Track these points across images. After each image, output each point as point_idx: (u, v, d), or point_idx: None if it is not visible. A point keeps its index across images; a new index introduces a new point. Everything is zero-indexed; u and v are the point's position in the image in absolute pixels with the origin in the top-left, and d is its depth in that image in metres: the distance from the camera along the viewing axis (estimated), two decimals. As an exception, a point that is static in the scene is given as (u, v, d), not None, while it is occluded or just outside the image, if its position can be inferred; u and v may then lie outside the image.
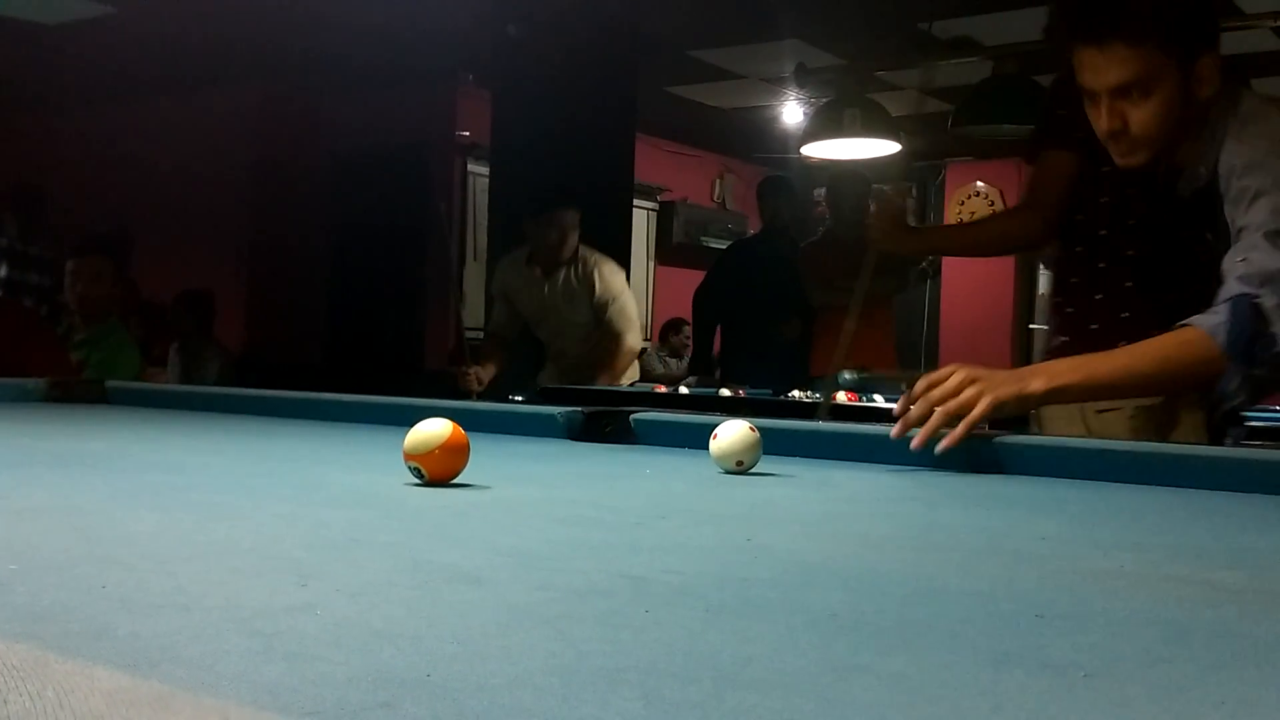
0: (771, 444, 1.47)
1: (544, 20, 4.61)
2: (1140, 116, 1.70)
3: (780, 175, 5.55)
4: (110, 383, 2.57)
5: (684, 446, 1.73)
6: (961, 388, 1.43)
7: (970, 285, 7.96)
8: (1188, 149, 1.73)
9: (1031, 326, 7.86)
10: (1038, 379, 1.47)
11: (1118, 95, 1.70)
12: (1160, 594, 0.78)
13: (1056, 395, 1.47)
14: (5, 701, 0.45)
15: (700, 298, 5.49)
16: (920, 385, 1.45)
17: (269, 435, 1.90)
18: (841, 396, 4.06)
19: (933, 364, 8.05)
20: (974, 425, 1.39)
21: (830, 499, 1.28)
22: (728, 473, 1.41)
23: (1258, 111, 1.71)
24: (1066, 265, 2.28)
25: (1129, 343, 2.04)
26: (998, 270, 7.86)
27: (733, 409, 3.38)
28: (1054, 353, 2.25)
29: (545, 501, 1.20)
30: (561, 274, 4.00)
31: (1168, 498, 1.31)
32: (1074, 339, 2.25)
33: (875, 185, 5.21)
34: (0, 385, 2.41)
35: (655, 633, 0.62)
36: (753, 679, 0.53)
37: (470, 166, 6.75)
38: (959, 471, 1.50)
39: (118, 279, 4.05)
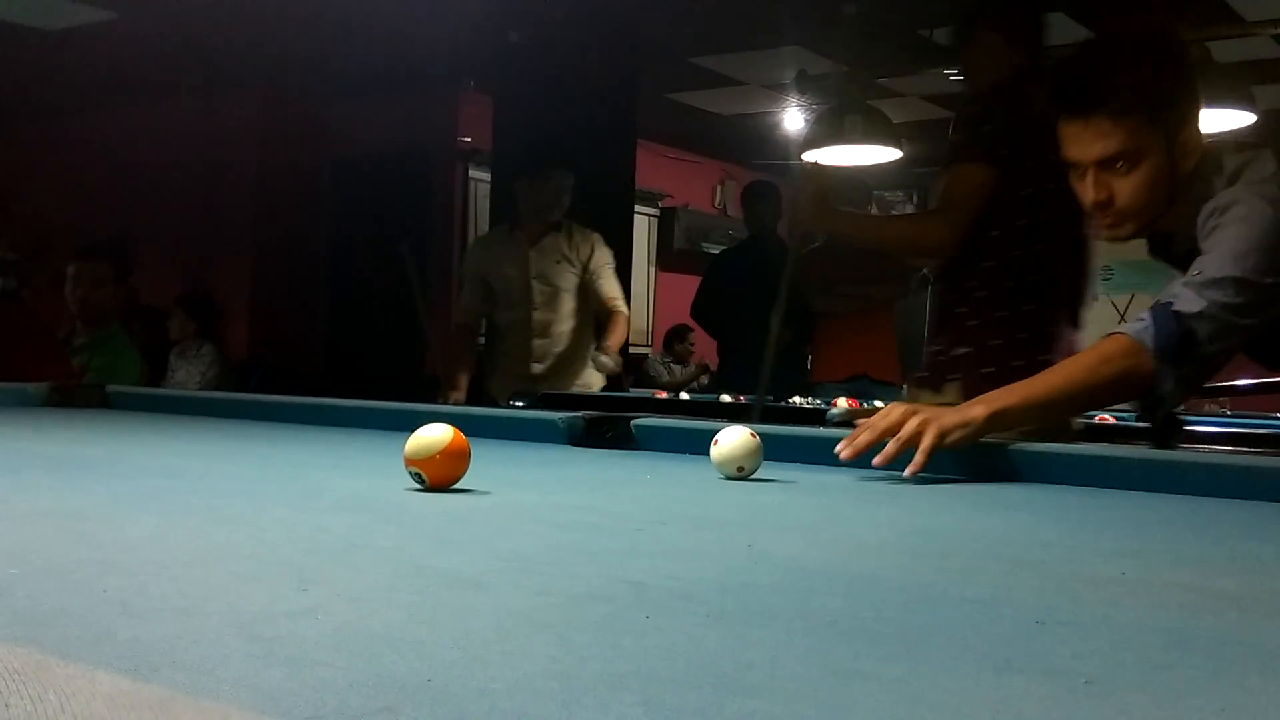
0: (772, 450, 1.47)
1: (545, 27, 4.62)
2: (1126, 189, 1.70)
3: (764, 180, 5.54)
4: (111, 387, 2.57)
5: (685, 452, 1.73)
6: (905, 420, 1.43)
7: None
8: (1173, 214, 1.73)
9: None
10: (977, 407, 1.48)
11: (1103, 168, 1.70)
12: (1161, 601, 0.78)
13: (998, 419, 1.48)
14: (7, 705, 0.45)
15: (696, 310, 5.48)
16: (867, 421, 1.46)
17: (270, 440, 1.90)
18: (842, 403, 4.06)
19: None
20: (929, 452, 1.40)
21: (831, 505, 1.28)
22: (728, 478, 1.41)
23: (1239, 165, 1.71)
24: (972, 279, 2.36)
25: (1025, 361, 2.17)
26: (998, 277, 7.86)
27: (733, 415, 3.39)
28: (951, 363, 2.39)
29: (546, 507, 1.20)
30: (548, 240, 3.93)
31: (1168, 504, 1.31)
32: (976, 351, 2.38)
33: (875, 189, 5.22)
34: (1, 390, 2.41)
35: (656, 638, 0.62)
36: (753, 685, 0.53)
37: (471, 172, 6.75)
38: (960, 478, 1.50)
39: (118, 283, 4.05)
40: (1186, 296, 1.59)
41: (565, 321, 3.97)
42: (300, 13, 5.05)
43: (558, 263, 3.92)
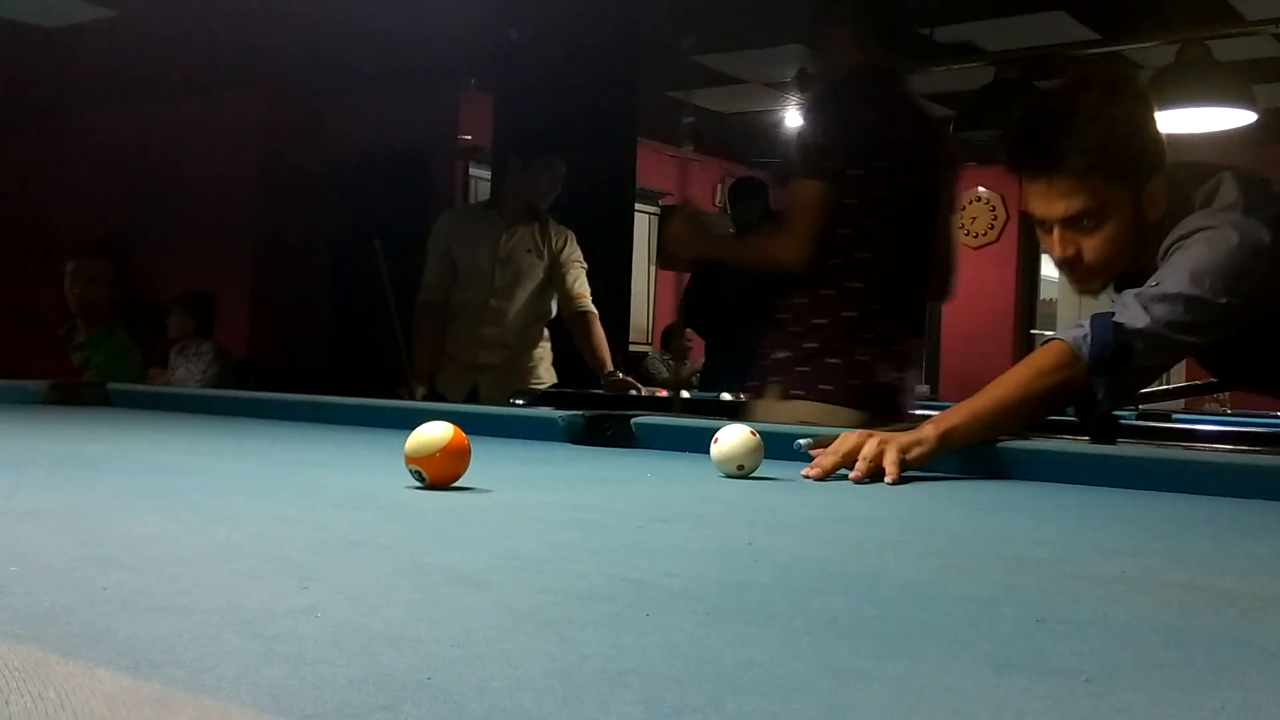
0: (772, 449, 1.47)
1: (546, 25, 4.61)
2: (1093, 244, 1.69)
3: (750, 178, 5.51)
4: (111, 385, 2.57)
5: (685, 450, 1.73)
6: (863, 443, 1.45)
7: (971, 290, 7.95)
8: (1144, 256, 1.72)
9: (1033, 332, 7.86)
10: (927, 427, 1.49)
11: (1069, 225, 1.69)
12: (1161, 599, 0.78)
13: (948, 436, 1.49)
14: (7, 702, 0.45)
15: (683, 308, 5.44)
16: (830, 448, 1.47)
17: (270, 438, 1.90)
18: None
19: (934, 369, 8.06)
20: (897, 464, 1.42)
21: (831, 503, 1.28)
22: (729, 476, 1.41)
23: (1203, 196, 1.70)
24: (797, 287, 2.47)
25: (842, 361, 2.38)
26: (999, 276, 7.87)
27: (731, 413, 3.39)
28: (773, 366, 2.49)
29: (546, 505, 1.20)
30: (523, 227, 3.72)
31: (1168, 503, 1.31)
32: (794, 354, 2.48)
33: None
34: (2, 387, 2.41)
35: (656, 636, 0.62)
36: (753, 683, 0.53)
37: (472, 170, 6.76)
38: (960, 476, 1.50)
39: (117, 281, 4.05)
40: (1132, 309, 1.59)
41: (520, 314, 3.72)
42: (302, 12, 5.05)
43: (527, 251, 3.71)
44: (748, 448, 1.40)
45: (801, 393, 2.40)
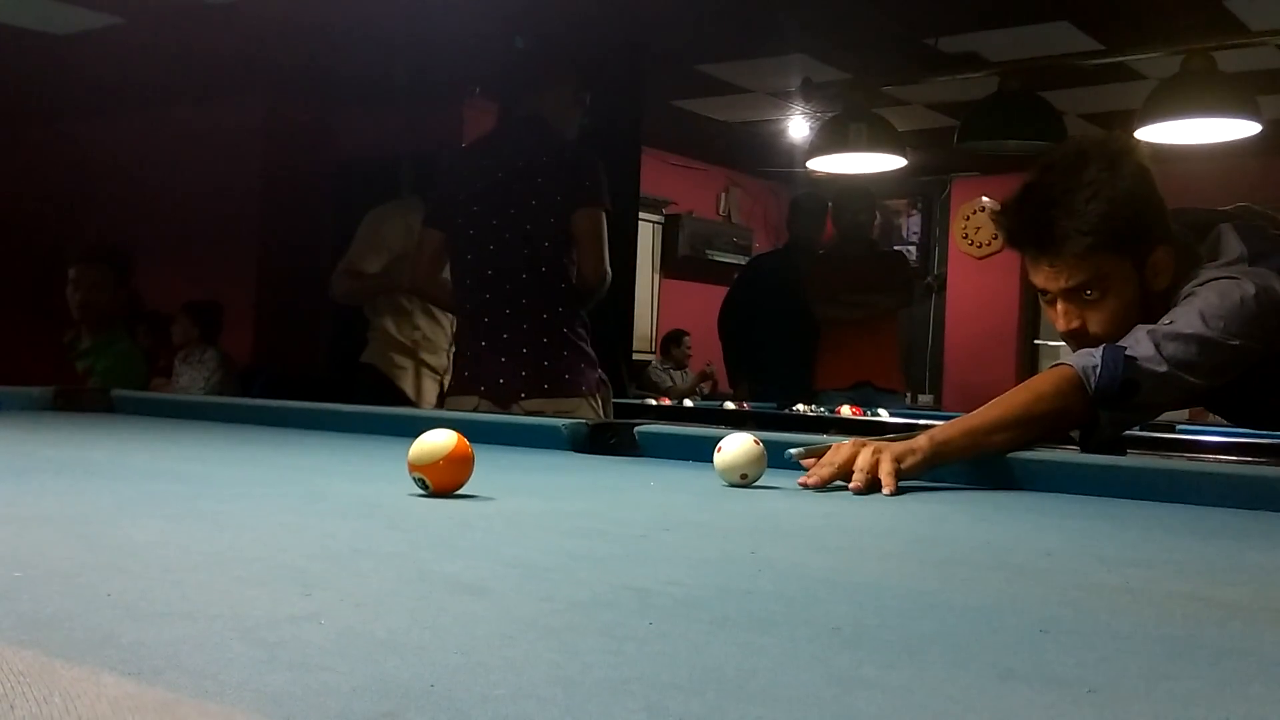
0: (776, 458, 1.47)
1: (550, 34, 4.62)
2: (1098, 317, 1.68)
3: (812, 193, 5.49)
4: (116, 391, 2.57)
5: (688, 459, 1.73)
6: (857, 452, 1.44)
7: (975, 301, 7.96)
8: (1150, 320, 1.71)
9: (1036, 342, 7.85)
10: (921, 439, 1.48)
11: (1071, 297, 1.68)
12: (1165, 610, 0.78)
13: (941, 450, 1.48)
14: (12, 707, 0.45)
15: (723, 314, 5.44)
16: (824, 459, 1.46)
17: (274, 445, 1.90)
18: (846, 411, 4.06)
19: (937, 379, 8.06)
20: (893, 474, 1.41)
21: (834, 512, 1.28)
22: (732, 485, 1.41)
23: (1208, 254, 1.70)
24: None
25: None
26: (1002, 285, 7.86)
27: (737, 422, 3.39)
28: (474, 377, 2.89)
29: (549, 513, 1.20)
30: None
31: (1172, 514, 1.30)
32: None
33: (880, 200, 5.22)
34: (6, 394, 2.41)
35: (659, 645, 0.62)
36: (757, 692, 0.53)
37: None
38: (963, 486, 1.50)
39: (119, 287, 4.06)
40: (1144, 345, 1.58)
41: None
42: (306, 20, 5.06)
43: None
44: (751, 457, 1.40)
45: (449, 386, 2.99)
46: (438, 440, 1.20)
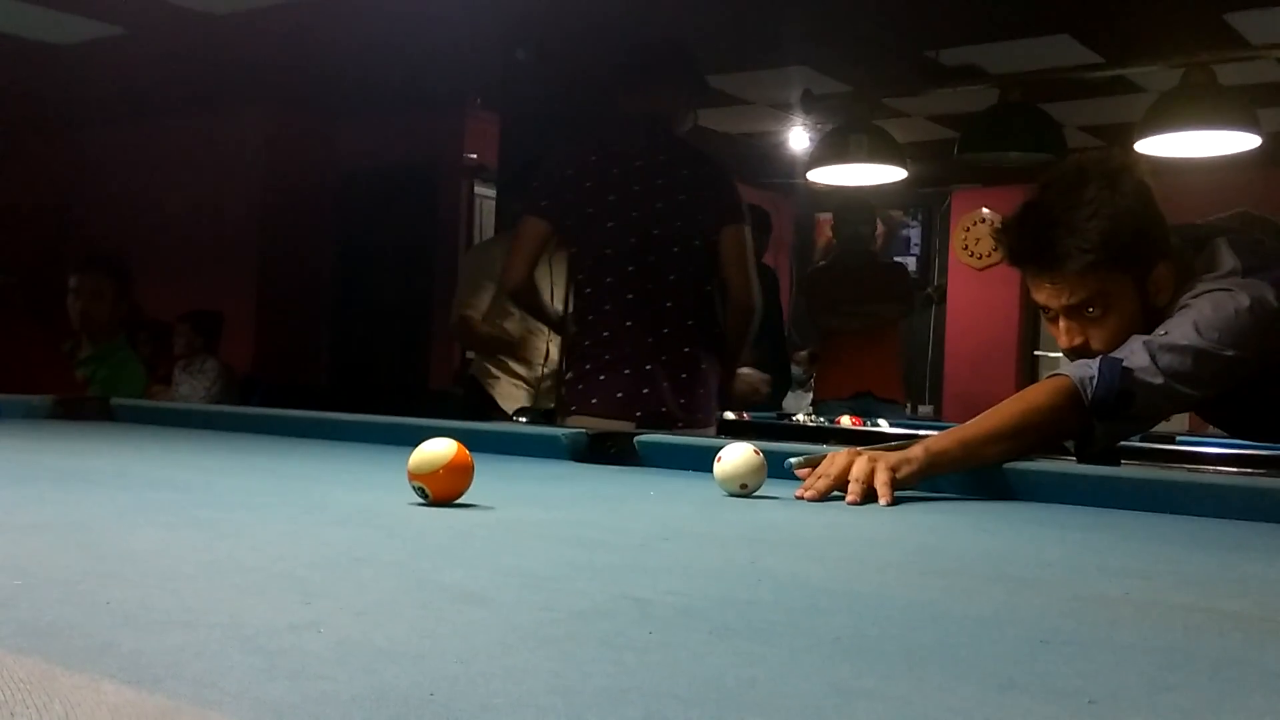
0: (776, 468, 1.47)
1: (552, 44, 4.64)
2: (1100, 334, 1.68)
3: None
4: (115, 400, 2.57)
5: (688, 469, 1.73)
6: (852, 461, 1.44)
7: (975, 311, 7.96)
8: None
9: (1036, 353, 7.85)
10: (916, 448, 1.48)
11: (1073, 314, 1.68)
12: (1165, 621, 0.78)
13: (935, 460, 1.48)
14: (13, 714, 0.45)
15: (789, 331, 5.35)
16: (819, 470, 1.46)
17: (274, 454, 1.90)
18: (846, 421, 4.06)
19: (937, 389, 8.06)
20: (889, 484, 1.40)
21: (834, 523, 1.28)
22: (732, 495, 1.41)
23: (1203, 268, 1.70)
24: (578, 314, 2.79)
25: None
26: (1002, 296, 7.87)
27: (737, 432, 3.38)
28: (570, 383, 2.75)
29: (549, 522, 1.20)
30: None
31: (1172, 525, 1.30)
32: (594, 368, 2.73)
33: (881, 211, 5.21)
34: (6, 402, 2.41)
35: (659, 654, 0.62)
36: (756, 701, 0.53)
37: (477, 189, 6.78)
38: (963, 497, 1.50)
39: (120, 296, 4.06)
40: (1139, 355, 1.58)
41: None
42: (308, 30, 5.08)
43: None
44: (751, 467, 1.40)
45: (574, 407, 2.68)
46: (437, 449, 1.20)
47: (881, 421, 4.03)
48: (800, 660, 0.62)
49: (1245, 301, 1.61)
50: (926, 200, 8.22)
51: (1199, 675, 0.63)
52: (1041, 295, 1.71)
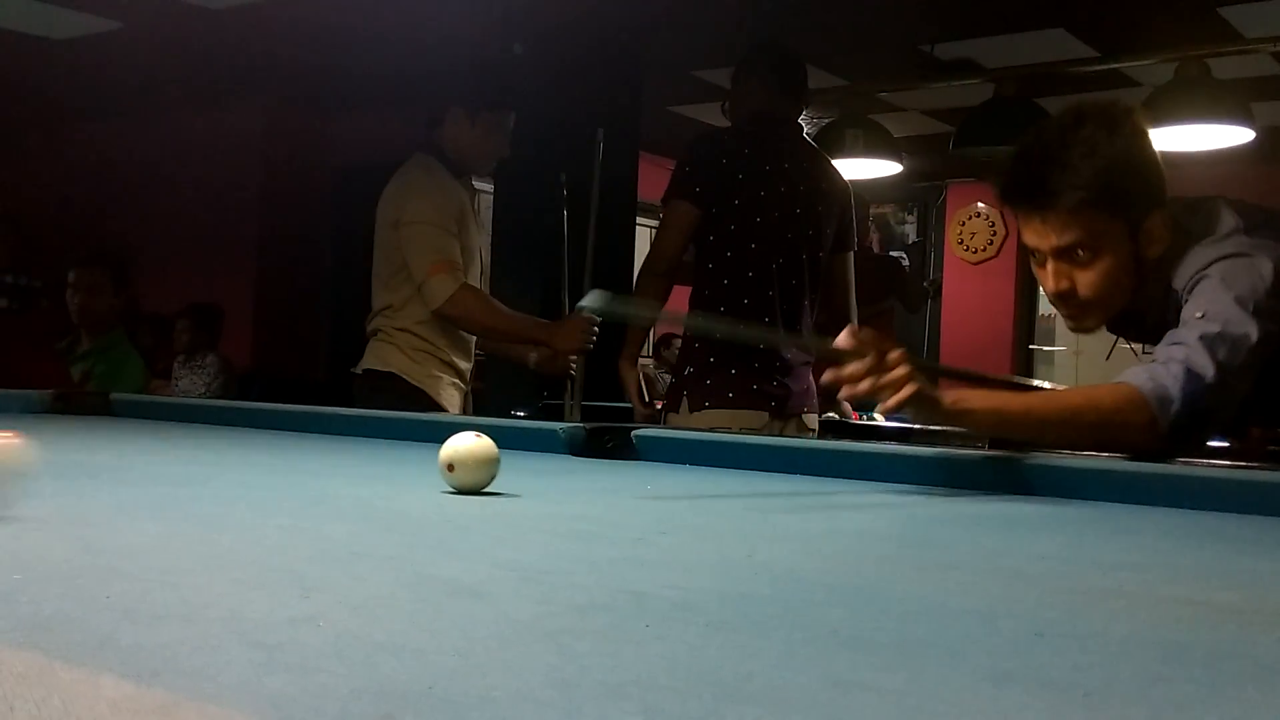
0: (772, 460, 1.47)
1: (547, 39, 4.63)
2: (1087, 279, 1.64)
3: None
4: (115, 395, 2.57)
5: (685, 463, 1.73)
6: (899, 363, 1.43)
7: (970, 305, 7.97)
8: (1142, 294, 1.68)
9: (1031, 347, 7.86)
10: (949, 395, 1.47)
11: (1062, 257, 1.64)
12: (1160, 614, 0.78)
13: (962, 414, 1.46)
14: (11, 708, 0.45)
15: None
16: (863, 364, 1.44)
17: (273, 448, 1.90)
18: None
19: (932, 383, 8.05)
20: (900, 403, 1.39)
21: (830, 516, 1.28)
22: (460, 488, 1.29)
23: (1201, 227, 1.67)
24: (706, 306, 2.80)
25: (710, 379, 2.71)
26: (998, 291, 7.88)
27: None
28: (685, 381, 2.78)
29: (547, 516, 1.20)
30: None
31: (1167, 518, 1.31)
32: (681, 365, 2.84)
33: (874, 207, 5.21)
34: (5, 396, 2.41)
35: (656, 648, 0.62)
36: (753, 694, 0.53)
37: (474, 183, 6.77)
38: (958, 490, 1.51)
39: (118, 291, 4.06)
40: (1202, 359, 1.50)
41: None
42: (304, 24, 5.07)
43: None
44: (463, 452, 1.27)
45: (708, 403, 2.71)
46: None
47: (878, 415, 4.04)
48: (797, 653, 0.62)
49: (1268, 266, 1.55)
50: (922, 194, 8.22)
51: (1193, 667, 0.63)
52: (1030, 235, 1.66)
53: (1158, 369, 1.54)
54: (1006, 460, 1.52)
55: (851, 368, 1.42)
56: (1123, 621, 0.75)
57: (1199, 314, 1.55)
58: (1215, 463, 1.52)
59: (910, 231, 8.41)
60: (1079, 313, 1.68)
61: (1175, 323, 1.62)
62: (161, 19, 5.00)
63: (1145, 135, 1.67)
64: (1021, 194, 1.66)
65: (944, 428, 1.47)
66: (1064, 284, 1.65)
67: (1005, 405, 1.49)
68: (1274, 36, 4.24)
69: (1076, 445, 1.53)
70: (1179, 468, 1.48)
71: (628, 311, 2.53)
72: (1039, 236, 1.65)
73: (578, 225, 3.39)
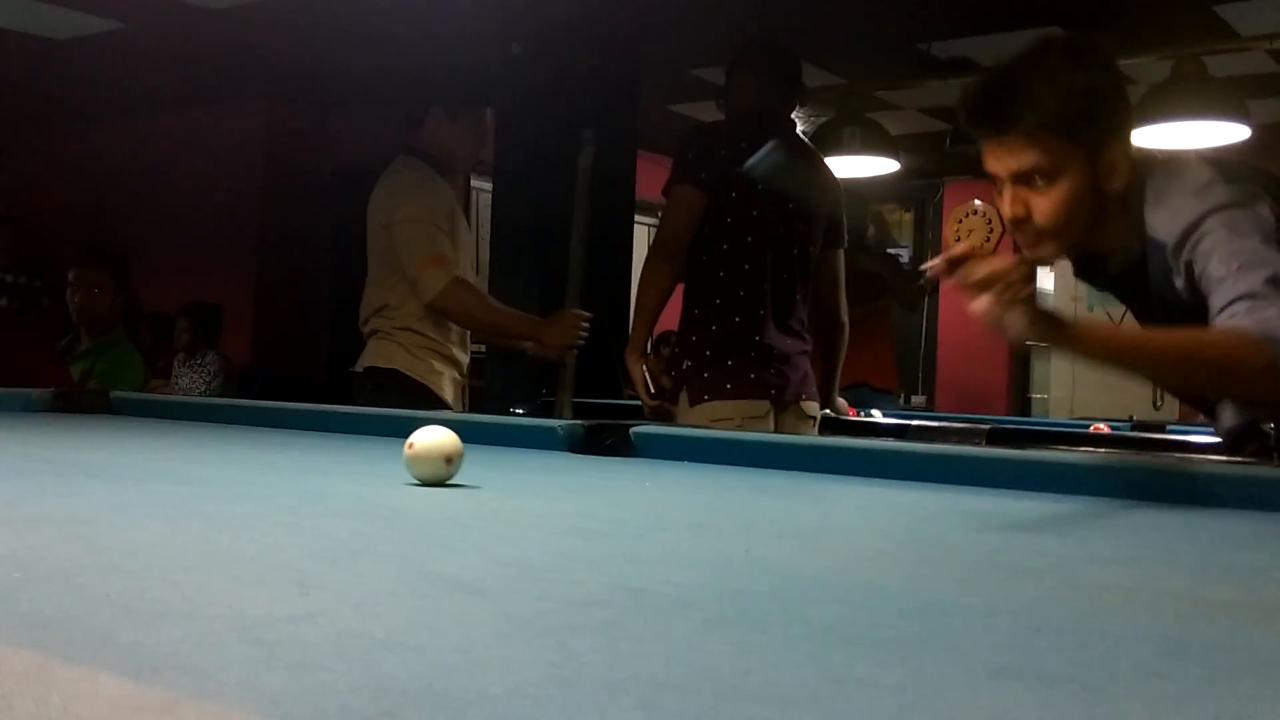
0: (772, 457, 1.47)
1: (546, 38, 4.63)
2: (1044, 205, 1.64)
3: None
4: (114, 393, 2.57)
5: (683, 460, 1.73)
6: (1014, 270, 1.41)
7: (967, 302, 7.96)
8: (1103, 232, 1.68)
9: (1028, 343, 7.85)
10: (1066, 321, 1.45)
11: (1020, 182, 1.65)
12: (1157, 609, 0.78)
13: (1076, 338, 1.44)
14: (11, 707, 0.45)
15: None
16: (990, 267, 1.43)
17: (272, 446, 1.90)
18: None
19: (930, 380, 8.06)
20: (1012, 304, 1.38)
21: (828, 513, 1.28)
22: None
23: (1169, 172, 1.66)
24: (705, 299, 2.85)
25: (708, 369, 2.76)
26: (997, 288, 7.86)
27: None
28: (684, 375, 2.80)
29: (545, 513, 1.20)
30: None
31: (1164, 514, 1.31)
32: (680, 354, 2.85)
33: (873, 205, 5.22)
34: (5, 395, 2.41)
35: (654, 644, 0.62)
36: (751, 690, 0.54)
37: (473, 182, 6.77)
38: (956, 486, 1.51)
39: (118, 290, 4.06)
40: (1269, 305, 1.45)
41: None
42: (304, 24, 5.06)
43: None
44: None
45: (707, 395, 2.74)
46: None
47: (875, 412, 4.04)
48: (794, 649, 0.62)
49: (1266, 211, 1.54)
50: (919, 192, 8.22)
51: (1190, 662, 0.63)
52: (990, 160, 1.67)
53: (1257, 313, 1.48)
54: (1004, 457, 1.53)
55: (984, 269, 1.40)
56: (1120, 617, 0.75)
57: (1236, 265, 1.52)
58: (1210, 459, 1.52)
59: (907, 229, 8.41)
60: (1035, 240, 1.68)
61: (1168, 280, 1.60)
62: (162, 19, 4.99)
63: (1112, 68, 1.68)
64: (982, 117, 1.68)
65: (1057, 347, 1.44)
66: (1020, 210, 1.66)
67: (1121, 334, 1.48)
68: (1270, 34, 4.24)
69: (1191, 383, 1.49)
70: (1175, 463, 1.48)
71: (796, 179, 2.71)
72: (997, 161, 1.66)
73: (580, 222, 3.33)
